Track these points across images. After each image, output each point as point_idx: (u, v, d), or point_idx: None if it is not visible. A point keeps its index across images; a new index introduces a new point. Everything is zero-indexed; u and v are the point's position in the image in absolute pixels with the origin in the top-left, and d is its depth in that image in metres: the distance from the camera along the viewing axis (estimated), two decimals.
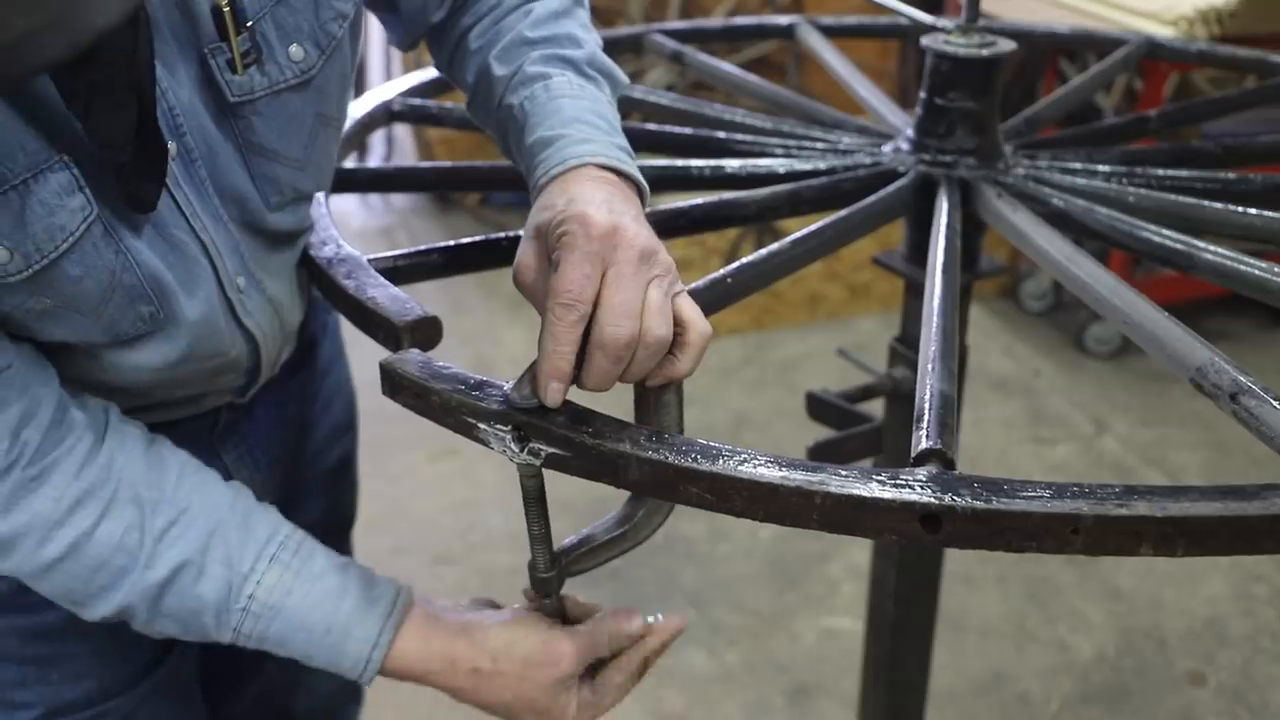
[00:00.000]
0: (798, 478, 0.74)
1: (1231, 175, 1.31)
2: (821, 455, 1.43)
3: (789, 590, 2.68)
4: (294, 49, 0.92)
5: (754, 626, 2.58)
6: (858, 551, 2.72)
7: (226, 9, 0.86)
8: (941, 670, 2.19)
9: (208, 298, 0.94)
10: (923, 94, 1.32)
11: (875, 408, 1.48)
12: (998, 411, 3.31)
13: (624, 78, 1.02)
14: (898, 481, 0.73)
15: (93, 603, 0.90)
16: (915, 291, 1.39)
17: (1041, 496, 0.72)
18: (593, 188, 0.85)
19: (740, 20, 2.05)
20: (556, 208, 0.82)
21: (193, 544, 0.90)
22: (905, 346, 1.43)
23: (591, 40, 1.01)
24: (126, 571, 0.88)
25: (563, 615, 0.98)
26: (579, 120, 0.92)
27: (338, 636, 0.93)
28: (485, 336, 3.64)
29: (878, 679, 1.63)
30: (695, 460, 0.76)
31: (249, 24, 0.88)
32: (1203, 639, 2.53)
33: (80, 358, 0.91)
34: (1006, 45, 1.29)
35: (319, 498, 1.28)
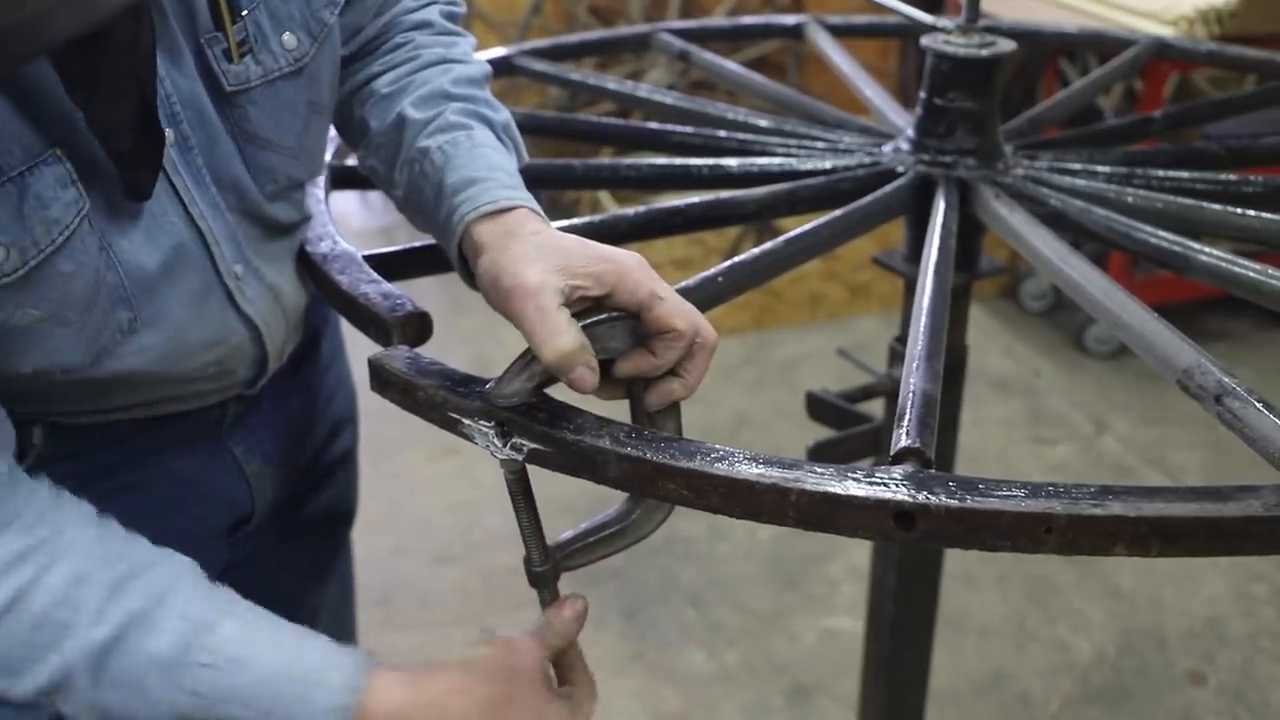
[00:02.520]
0: (774, 475, 0.74)
1: (1232, 177, 1.31)
2: (821, 455, 1.44)
3: (789, 590, 2.68)
4: (287, 37, 0.93)
5: (754, 626, 2.58)
6: (858, 551, 2.72)
7: None
8: (941, 670, 2.18)
9: (201, 285, 0.94)
10: (922, 94, 1.32)
11: (875, 408, 1.48)
12: (998, 411, 3.31)
13: (525, 155, 1.04)
14: (873, 479, 0.74)
15: (28, 668, 0.78)
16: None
17: (1016, 496, 0.72)
18: (553, 232, 0.87)
19: (747, 20, 2.05)
20: (579, 251, 0.83)
21: (146, 597, 0.81)
22: (905, 346, 1.43)
23: (506, 111, 1.04)
24: (71, 627, 0.78)
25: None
26: (501, 169, 0.94)
27: (313, 683, 0.81)
28: (485, 335, 3.63)
29: (878, 679, 1.63)
30: (673, 457, 0.77)
31: (244, 13, 0.89)
32: (1203, 639, 2.53)
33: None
34: (1006, 45, 1.29)
35: (323, 490, 1.29)
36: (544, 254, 0.83)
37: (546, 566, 0.92)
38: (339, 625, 1.41)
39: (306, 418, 1.23)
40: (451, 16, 1.12)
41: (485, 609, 2.54)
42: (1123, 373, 3.52)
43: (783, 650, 2.51)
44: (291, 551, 1.18)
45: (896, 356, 1.44)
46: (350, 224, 4.50)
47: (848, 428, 1.47)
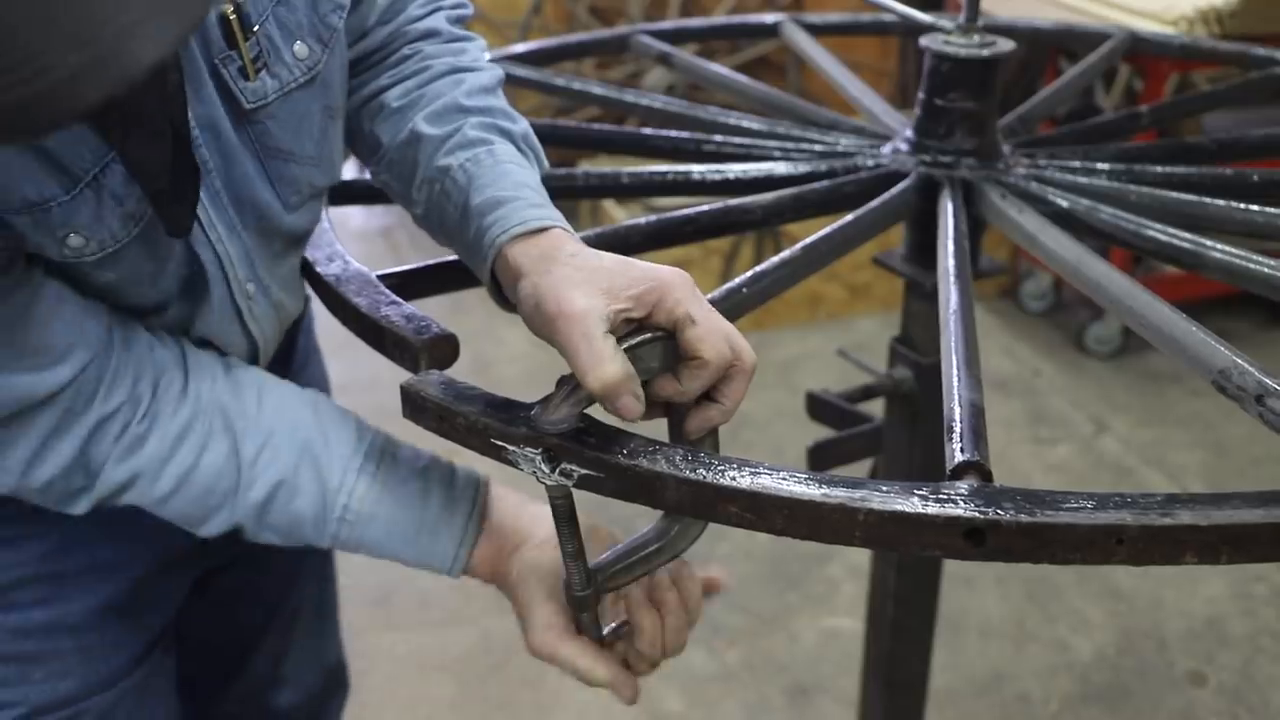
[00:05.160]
0: (839, 495, 0.73)
1: (1229, 171, 1.31)
2: (821, 455, 1.44)
3: (789, 590, 2.68)
4: (298, 46, 0.92)
5: (754, 626, 2.57)
6: (858, 552, 2.72)
7: (233, 16, 0.86)
8: (941, 670, 2.18)
9: (218, 304, 0.95)
10: (922, 94, 1.32)
11: (875, 408, 1.48)
12: (998, 411, 3.31)
13: (546, 162, 1.04)
14: (940, 496, 0.73)
15: (207, 522, 0.95)
16: (915, 291, 1.39)
17: (1085, 508, 0.71)
18: (592, 253, 0.86)
19: (721, 20, 2.04)
20: (621, 272, 0.82)
21: (284, 465, 0.94)
22: (905, 346, 1.43)
23: (524, 120, 1.03)
24: (230, 494, 0.94)
25: (600, 633, 0.97)
26: (527, 186, 0.93)
27: (427, 538, 0.98)
28: (485, 336, 3.63)
29: (878, 679, 1.63)
30: (734, 480, 0.75)
31: (254, 28, 0.88)
32: (1203, 639, 2.53)
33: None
34: (1006, 45, 1.29)
35: None
36: (586, 277, 0.81)
37: (589, 590, 0.91)
38: (321, 620, 1.39)
39: None
40: (459, 20, 1.09)
41: (485, 609, 2.53)
42: (1123, 373, 3.52)
43: (783, 650, 2.51)
44: (269, 552, 1.18)
45: (897, 356, 1.44)
46: (350, 225, 4.50)
47: (848, 428, 1.47)
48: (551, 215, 0.90)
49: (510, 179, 0.93)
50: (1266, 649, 2.50)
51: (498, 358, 3.55)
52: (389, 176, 1.03)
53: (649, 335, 0.81)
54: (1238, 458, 3.05)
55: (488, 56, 1.10)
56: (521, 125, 1.01)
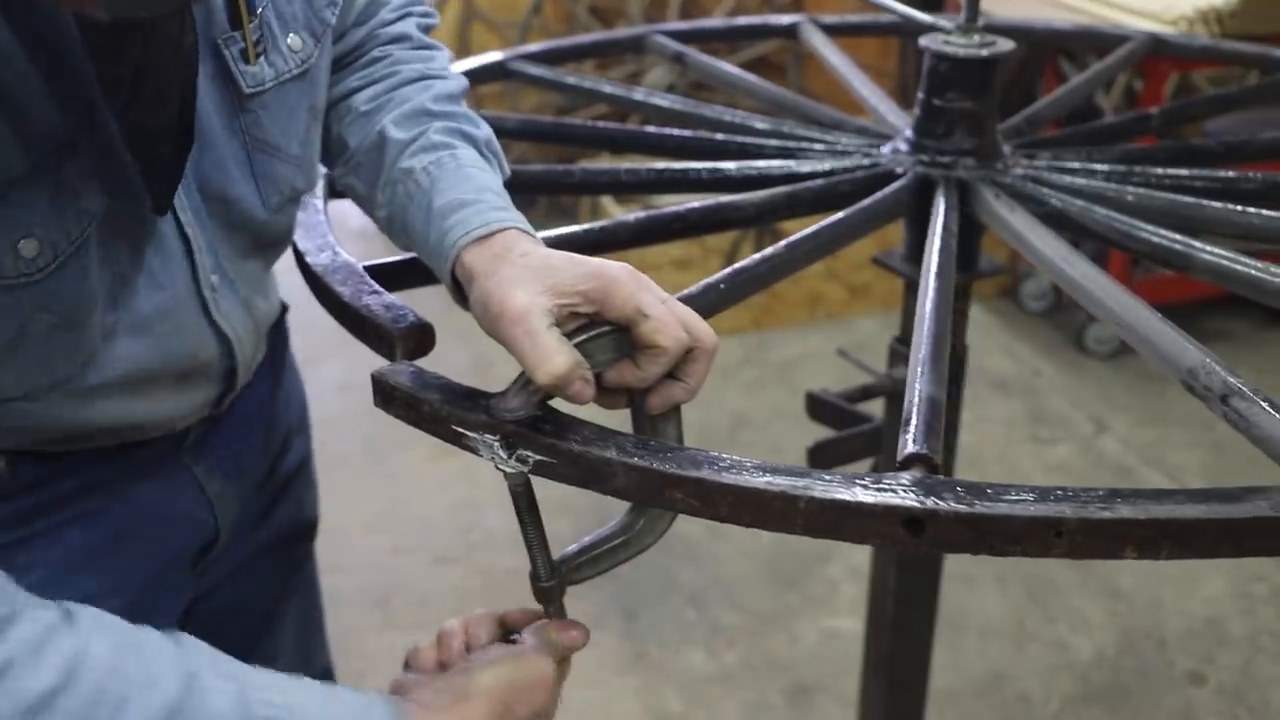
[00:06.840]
0: (781, 483, 0.74)
1: (1231, 174, 1.31)
2: (821, 455, 1.44)
3: (789, 590, 2.68)
4: (292, 38, 0.92)
5: (754, 626, 2.58)
6: (858, 551, 2.72)
7: None
8: (941, 670, 2.18)
9: (179, 293, 0.92)
10: (921, 94, 1.32)
11: (875, 408, 1.48)
12: (998, 411, 3.31)
13: (508, 168, 1.04)
14: (881, 486, 0.74)
15: None
16: (915, 291, 1.39)
17: (1025, 500, 0.72)
18: (543, 251, 0.85)
19: (742, 20, 2.05)
20: (566, 269, 0.82)
21: (195, 663, 0.75)
22: (905, 346, 1.43)
23: (486, 126, 1.04)
24: (128, 699, 0.71)
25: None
26: (489, 190, 0.93)
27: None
28: (484, 334, 3.63)
29: (878, 679, 1.63)
30: (680, 466, 0.76)
31: (257, 11, 0.88)
32: (1203, 639, 2.53)
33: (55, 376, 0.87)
34: (1005, 45, 1.29)
35: (284, 504, 1.24)
36: (531, 275, 0.82)
37: (553, 581, 0.91)
38: (306, 632, 1.35)
39: (265, 430, 1.19)
40: (427, 29, 1.10)
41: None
42: (1123, 373, 3.52)
43: (783, 650, 2.51)
44: (254, 571, 1.15)
45: (897, 356, 1.44)
46: (349, 224, 4.49)
47: (848, 428, 1.47)
48: (511, 217, 0.90)
49: (473, 183, 0.93)
50: (1266, 649, 2.50)
51: (499, 357, 3.53)
52: (354, 179, 1.04)
53: (598, 331, 0.82)
54: (1237, 457, 3.05)
55: (493, 57, 1.10)
56: (484, 131, 1.02)
